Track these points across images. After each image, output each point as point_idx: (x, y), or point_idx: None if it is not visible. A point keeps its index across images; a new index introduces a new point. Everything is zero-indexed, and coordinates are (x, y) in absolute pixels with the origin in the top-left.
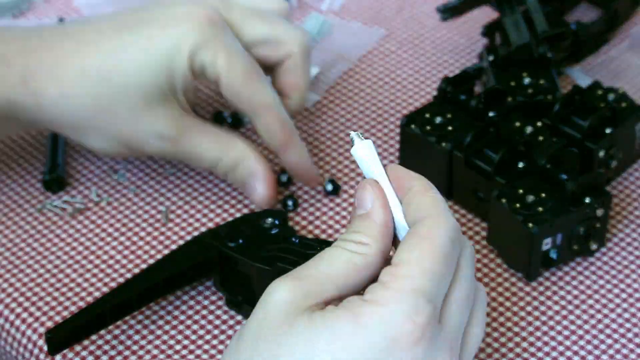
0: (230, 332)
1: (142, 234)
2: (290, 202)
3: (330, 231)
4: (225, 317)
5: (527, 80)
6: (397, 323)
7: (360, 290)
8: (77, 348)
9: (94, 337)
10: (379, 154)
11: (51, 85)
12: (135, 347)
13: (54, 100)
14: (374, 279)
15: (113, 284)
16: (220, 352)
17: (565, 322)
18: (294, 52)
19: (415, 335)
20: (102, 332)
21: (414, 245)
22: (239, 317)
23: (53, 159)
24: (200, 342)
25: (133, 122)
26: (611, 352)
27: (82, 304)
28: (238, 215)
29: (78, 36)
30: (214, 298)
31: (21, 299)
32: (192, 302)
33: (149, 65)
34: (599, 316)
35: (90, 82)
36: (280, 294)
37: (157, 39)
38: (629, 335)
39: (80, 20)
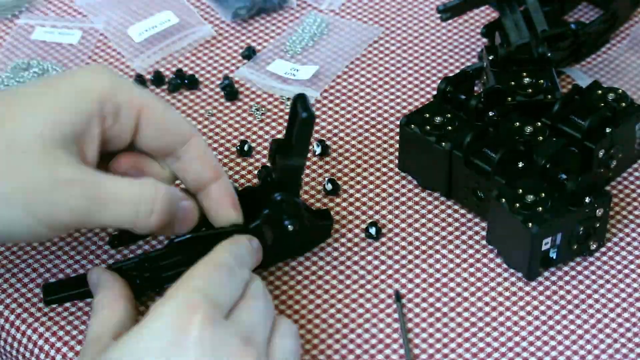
0: None
1: None
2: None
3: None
4: None
5: (527, 80)
6: (176, 314)
7: None
8: (77, 347)
9: None
10: (379, 154)
11: None
12: None
13: None
14: None
15: None
16: None
17: (565, 322)
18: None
19: (197, 321)
20: None
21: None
22: None
23: None
24: None
25: (33, 171)
26: (611, 351)
27: (82, 304)
28: None
29: None
30: None
31: (21, 299)
32: None
33: (47, 118)
34: (599, 316)
35: None
36: None
37: (64, 86)
38: (629, 335)
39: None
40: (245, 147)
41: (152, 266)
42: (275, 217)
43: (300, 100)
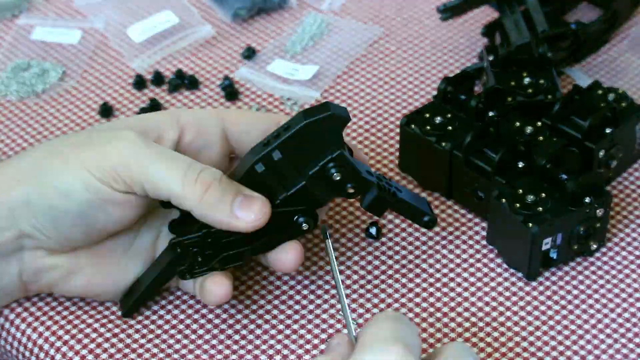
0: (229, 331)
1: None
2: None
3: (330, 231)
4: (224, 315)
5: (527, 80)
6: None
7: None
8: (77, 347)
9: (93, 336)
10: (379, 154)
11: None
12: (135, 346)
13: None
14: None
15: None
16: (220, 352)
17: (565, 322)
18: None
19: None
20: (103, 330)
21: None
22: (239, 317)
23: None
24: (200, 341)
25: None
26: (611, 352)
27: (82, 304)
28: None
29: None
30: None
31: (21, 299)
32: (192, 302)
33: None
34: (599, 316)
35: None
36: None
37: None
38: (629, 335)
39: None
40: None
41: (214, 242)
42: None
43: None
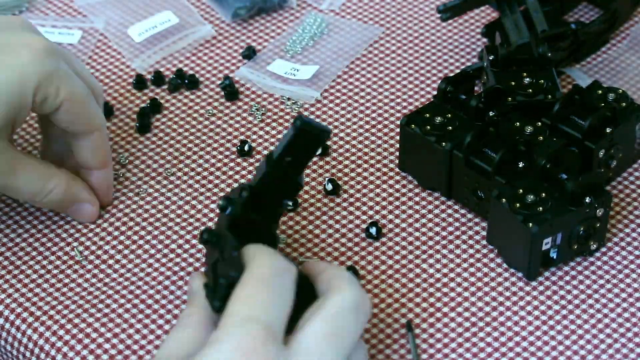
0: None
1: (142, 233)
2: (290, 202)
3: (330, 231)
4: None
5: (527, 80)
6: (233, 347)
7: None
8: (78, 347)
9: (94, 336)
10: (379, 154)
11: None
12: (135, 347)
13: None
14: None
15: (113, 284)
16: None
17: (565, 322)
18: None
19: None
20: (103, 330)
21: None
22: None
23: None
24: None
25: None
26: (611, 351)
27: (82, 302)
28: None
29: None
30: None
31: (21, 299)
32: None
33: None
34: (599, 316)
35: None
36: None
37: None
38: (629, 335)
39: None
40: (246, 147)
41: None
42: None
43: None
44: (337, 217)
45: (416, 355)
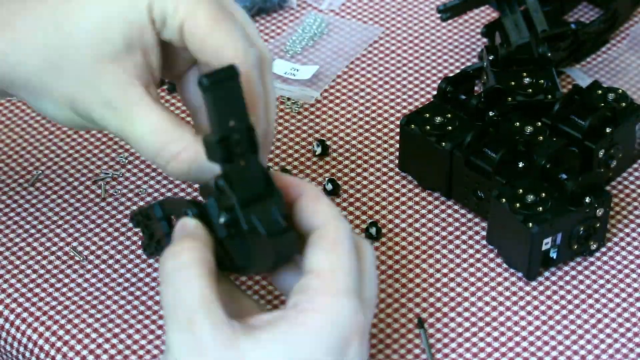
0: None
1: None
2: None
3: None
4: None
5: (527, 80)
6: (345, 323)
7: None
8: (77, 347)
9: (94, 336)
10: (379, 154)
11: (1, 34)
12: (135, 347)
13: (5, 51)
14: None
15: (113, 284)
16: None
17: (565, 322)
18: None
19: (360, 329)
20: (103, 330)
21: (329, 251)
22: None
23: None
24: None
25: (80, 83)
26: (611, 351)
27: (82, 302)
28: None
29: None
30: None
31: (21, 299)
32: None
33: (102, 14)
34: (599, 316)
35: (41, 32)
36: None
37: None
38: (629, 335)
39: None
40: None
41: None
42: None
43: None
44: None
45: (430, 354)
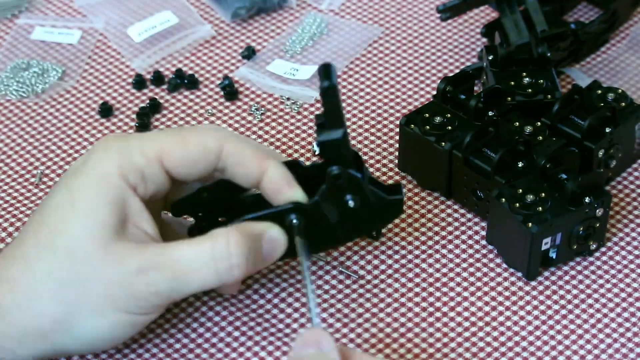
0: (229, 328)
1: None
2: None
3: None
4: (224, 313)
5: (526, 80)
6: None
7: None
8: None
9: None
10: (379, 154)
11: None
12: (134, 346)
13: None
14: None
15: None
16: (220, 350)
17: (564, 322)
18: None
19: None
20: None
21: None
22: (239, 314)
23: None
24: (200, 340)
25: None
26: (610, 351)
27: None
28: None
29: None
30: (214, 296)
31: None
32: (192, 300)
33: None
34: (598, 315)
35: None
36: None
37: (85, 187)
38: (628, 334)
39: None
40: None
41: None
42: (335, 192)
43: (323, 70)
44: None
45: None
